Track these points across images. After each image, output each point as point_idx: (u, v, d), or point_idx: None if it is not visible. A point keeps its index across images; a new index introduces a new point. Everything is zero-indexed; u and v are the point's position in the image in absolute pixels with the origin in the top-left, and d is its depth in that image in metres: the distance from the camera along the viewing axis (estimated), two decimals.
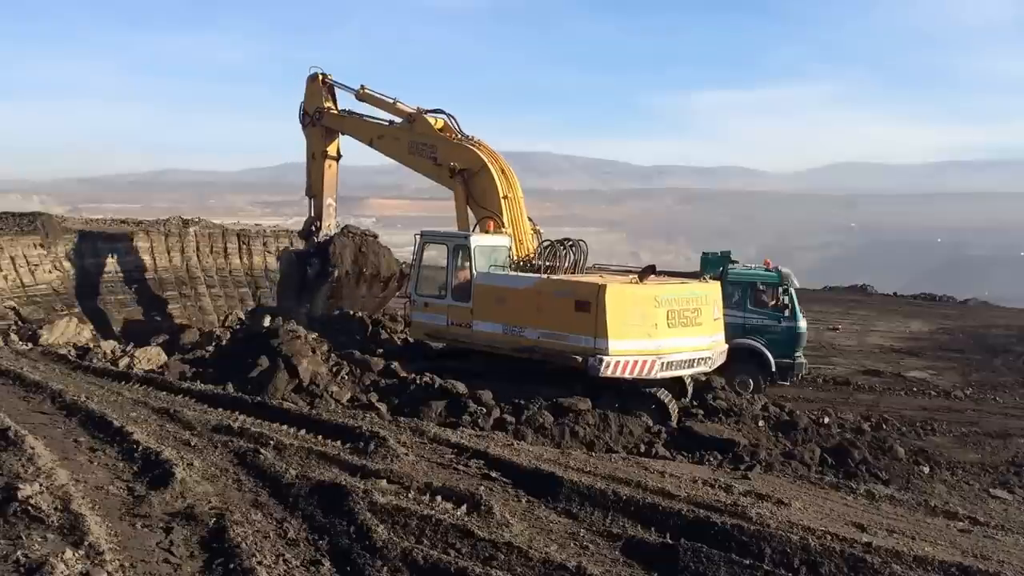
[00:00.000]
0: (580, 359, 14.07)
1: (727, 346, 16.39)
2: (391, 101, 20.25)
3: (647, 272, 15.38)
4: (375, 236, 22.46)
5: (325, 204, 21.75)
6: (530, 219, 17.96)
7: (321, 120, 21.31)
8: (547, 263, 16.10)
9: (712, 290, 16.06)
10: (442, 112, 19.24)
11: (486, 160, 17.70)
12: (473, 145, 18.25)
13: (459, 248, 16.38)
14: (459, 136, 18.77)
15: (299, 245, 24.17)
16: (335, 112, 21.31)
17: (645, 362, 14.27)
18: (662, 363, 14.45)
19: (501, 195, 17.37)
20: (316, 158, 21.76)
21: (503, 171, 17.75)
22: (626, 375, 14.18)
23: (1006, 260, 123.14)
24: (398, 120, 19.91)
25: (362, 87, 20.95)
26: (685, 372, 15.28)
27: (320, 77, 21.40)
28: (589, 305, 14.08)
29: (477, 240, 16.37)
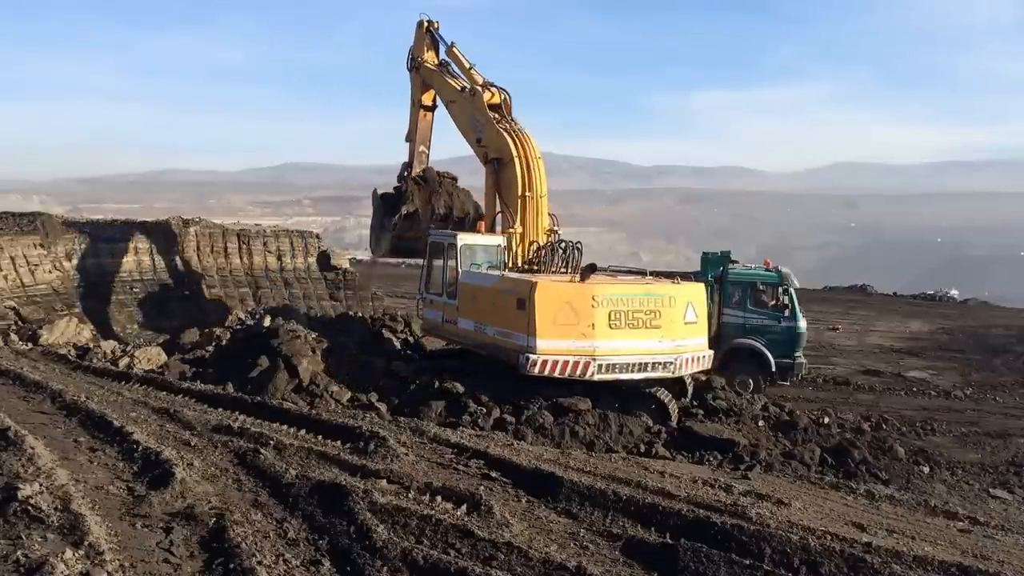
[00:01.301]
0: (516, 356, 14.02)
1: (709, 352, 15.50)
2: (468, 66, 19.66)
3: (588, 271, 14.90)
4: (454, 179, 22.12)
5: (418, 151, 21.49)
6: (552, 216, 17.61)
7: (418, 69, 20.91)
8: (536, 263, 16.20)
9: (684, 292, 15.10)
10: (504, 89, 18.57)
11: (515, 154, 17.29)
12: (511, 134, 17.65)
13: (450, 247, 16.55)
14: (506, 121, 18.16)
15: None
16: (429, 64, 20.67)
17: (577, 363, 13.78)
18: (599, 365, 13.84)
19: (519, 192, 17.13)
20: (414, 105, 21.42)
21: (528, 168, 17.26)
22: (556, 374, 13.84)
23: (1006, 260, 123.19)
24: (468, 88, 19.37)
25: (452, 45, 20.34)
26: (633, 376, 14.35)
27: (425, 24, 20.78)
28: (524, 303, 14.03)
29: (463, 239, 16.47)
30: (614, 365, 13.97)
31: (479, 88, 18.66)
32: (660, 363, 14.41)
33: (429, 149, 21.53)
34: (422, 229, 19.60)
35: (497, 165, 17.66)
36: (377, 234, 21.81)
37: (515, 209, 17.16)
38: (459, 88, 19.34)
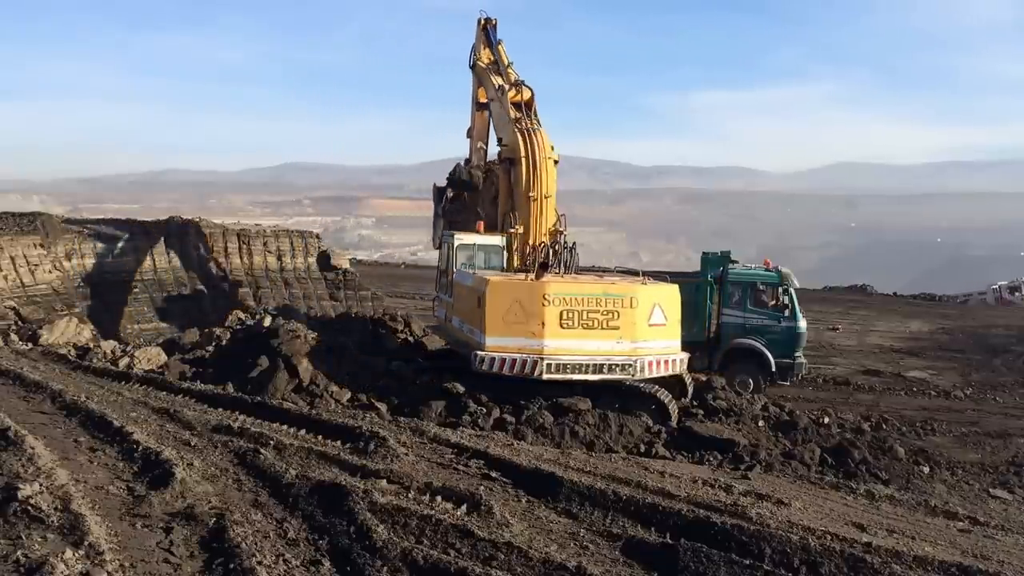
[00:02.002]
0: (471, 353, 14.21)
1: (682, 356, 15.06)
2: (506, 63, 19.58)
3: (541, 269, 14.88)
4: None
5: (476, 147, 21.52)
6: (561, 216, 17.45)
7: (475, 67, 20.80)
8: (527, 263, 16.28)
9: (649, 293, 14.68)
10: (529, 88, 18.44)
11: (523, 153, 17.21)
12: (523, 134, 17.54)
13: (450, 246, 16.81)
14: (525, 120, 18.01)
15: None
16: (482, 63, 20.49)
17: (526, 361, 13.81)
18: (548, 364, 13.80)
19: (524, 192, 17.08)
20: (473, 102, 21.34)
21: (534, 168, 17.15)
22: (504, 372, 13.91)
23: (1006, 260, 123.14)
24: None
25: (499, 43, 20.26)
26: (588, 377, 14.14)
27: (482, 22, 20.63)
28: (480, 300, 14.14)
29: (460, 239, 16.68)
30: (565, 365, 13.90)
31: (506, 87, 18.66)
32: (617, 365, 14.09)
33: (487, 145, 21.44)
34: (467, 216, 19.55)
35: (509, 165, 17.70)
36: (433, 224, 21.94)
37: (521, 209, 17.17)
38: (496, 87, 19.34)
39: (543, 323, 13.82)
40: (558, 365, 13.85)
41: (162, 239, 27.07)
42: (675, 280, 20.74)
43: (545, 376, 13.83)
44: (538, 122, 17.74)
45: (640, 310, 14.25)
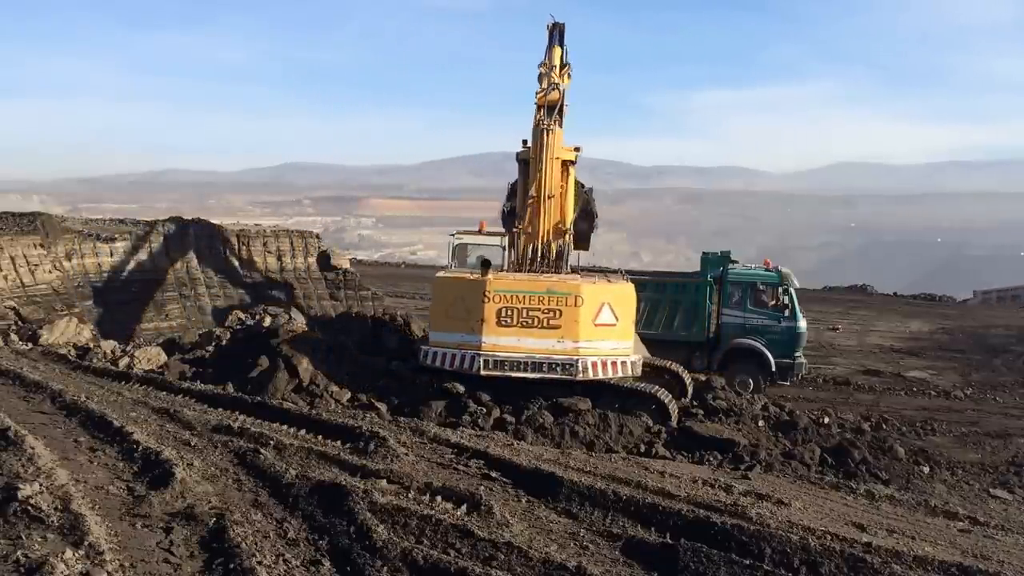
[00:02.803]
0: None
1: (633, 358, 14.66)
2: (557, 65, 19.10)
3: (485, 267, 14.89)
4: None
5: None
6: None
7: None
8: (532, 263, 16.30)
9: (597, 292, 14.33)
10: (558, 90, 18.01)
11: (532, 154, 17.15)
12: (539, 134, 17.37)
13: (451, 245, 17.04)
14: (546, 119, 17.69)
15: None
16: (543, 66, 19.65)
17: (464, 356, 14.02)
18: (484, 360, 13.92)
19: (528, 192, 16.99)
20: None
21: (540, 168, 16.86)
22: (444, 367, 14.15)
23: (1006, 260, 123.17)
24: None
25: (553, 45, 19.64)
26: (526, 375, 14.07)
27: (549, 26, 20.01)
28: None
29: (459, 238, 16.87)
30: (503, 362, 14.00)
31: (538, 90, 18.50)
32: (557, 364, 14.00)
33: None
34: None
35: (524, 166, 17.74)
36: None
37: (525, 209, 17.19)
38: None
39: (482, 319, 14.00)
40: (495, 361, 13.98)
41: (163, 239, 27.05)
42: (675, 280, 20.91)
43: (483, 372, 14.01)
44: (559, 123, 17.66)
45: (585, 309, 14.08)
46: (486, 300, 13.97)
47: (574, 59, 18.64)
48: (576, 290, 14.14)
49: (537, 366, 14.01)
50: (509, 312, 13.95)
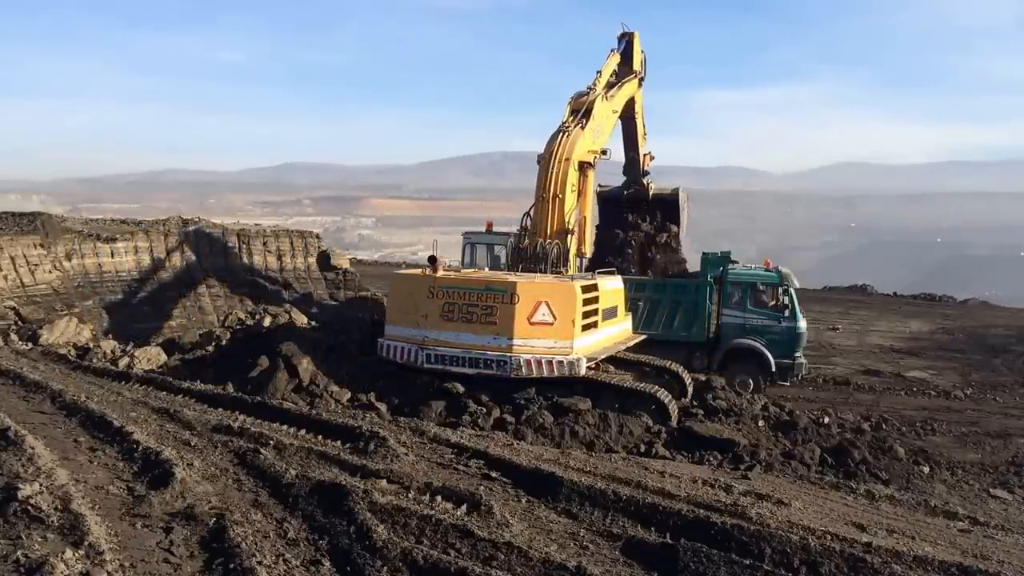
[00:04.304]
0: None
1: (575, 358, 14.13)
2: (609, 71, 19.90)
3: (432, 262, 15.13)
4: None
5: (628, 156, 22.78)
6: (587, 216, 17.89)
7: None
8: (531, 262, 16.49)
9: (536, 289, 14.19)
10: (587, 96, 18.60)
11: (545, 156, 17.28)
12: (556, 134, 17.59)
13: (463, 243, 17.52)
14: (570, 121, 18.00)
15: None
16: (615, 76, 20.59)
17: (411, 350, 14.52)
18: (427, 355, 14.40)
19: (537, 193, 17.21)
20: None
21: (546, 169, 17.12)
22: (398, 360, 14.67)
23: (1006, 260, 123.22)
24: None
25: (612, 51, 20.54)
26: (465, 371, 14.22)
27: (620, 35, 20.82)
28: None
29: (468, 237, 16.99)
30: (444, 357, 14.36)
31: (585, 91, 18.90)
32: (492, 361, 14.07)
33: (636, 153, 22.84)
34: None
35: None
36: None
37: (534, 207, 17.30)
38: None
39: (427, 315, 14.45)
40: (438, 356, 14.37)
41: (163, 239, 27.05)
42: (675, 280, 20.92)
43: (426, 366, 14.43)
44: (583, 126, 17.74)
45: (520, 306, 14.00)
46: (431, 296, 14.47)
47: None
48: (511, 287, 14.13)
49: (474, 362, 14.23)
50: (451, 308, 14.36)
